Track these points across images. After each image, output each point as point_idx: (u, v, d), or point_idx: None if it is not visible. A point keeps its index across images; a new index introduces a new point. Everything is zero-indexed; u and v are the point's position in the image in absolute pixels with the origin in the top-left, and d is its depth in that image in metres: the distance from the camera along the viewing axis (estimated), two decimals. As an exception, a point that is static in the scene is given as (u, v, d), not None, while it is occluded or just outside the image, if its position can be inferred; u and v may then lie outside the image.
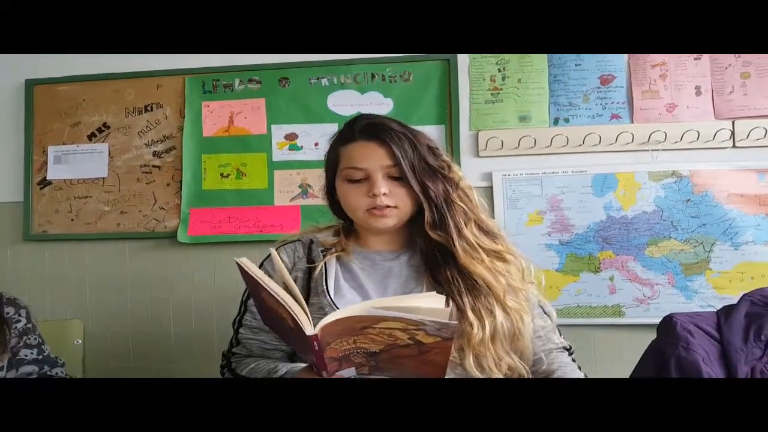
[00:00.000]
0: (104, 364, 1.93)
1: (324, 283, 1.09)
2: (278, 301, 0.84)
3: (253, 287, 0.92)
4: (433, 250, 1.09)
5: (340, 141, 1.14)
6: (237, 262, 0.90)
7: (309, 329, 0.82)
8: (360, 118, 1.15)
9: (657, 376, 0.91)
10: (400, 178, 1.08)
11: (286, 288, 0.89)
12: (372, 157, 1.08)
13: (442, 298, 0.90)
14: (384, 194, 1.07)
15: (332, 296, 1.07)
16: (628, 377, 1.10)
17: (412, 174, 1.07)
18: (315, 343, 0.82)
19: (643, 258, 1.74)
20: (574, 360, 1.16)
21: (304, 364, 1.01)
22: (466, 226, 1.08)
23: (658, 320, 1.43)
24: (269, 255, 1.17)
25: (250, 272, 0.87)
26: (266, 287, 0.85)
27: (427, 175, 1.08)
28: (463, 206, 1.10)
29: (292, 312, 0.83)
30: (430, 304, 0.87)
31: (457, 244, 1.06)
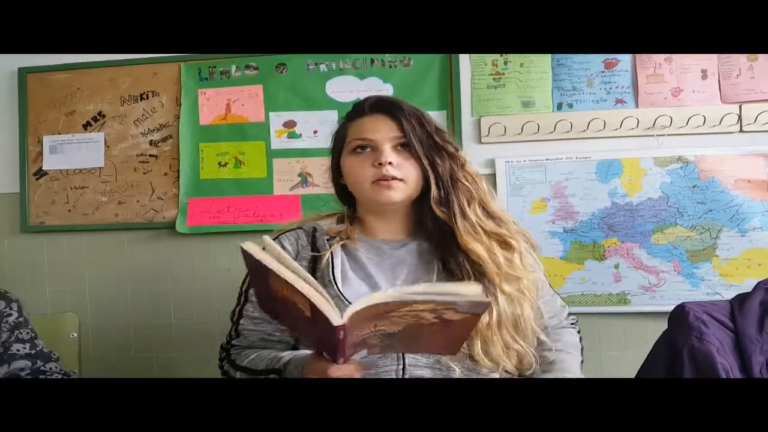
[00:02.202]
0: (104, 356, 1.91)
1: (331, 273, 1.07)
2: (296, 290, 0.80)
3: (258, 274, 0.87)
4: (441, 231, 1.08)
5: (350, 117, 1.16)
6: (242, 248, 0.84)
7: (337, 319, 0.78)
8: (370, 96, 1.17)
9: (669, 367, 0.90)
10: (407, 151, 1.09)
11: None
12: (380, 129, 1.09)
13: (479, 286, 0.89)
14: (390, 164, 1.07)
15: (340, 287, 1.05)
16: (634, 367, 1.09)
17: (420, 147, 1.08)
18: (341, 332, 0.79)
19: (649, 245, 1.72)
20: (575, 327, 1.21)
21: (309, 351, 0.98)
22: (469, 206, 1.08)
23: (663, 308, 1.42)
24: (276, 238, 1.15)
25: (258, 258, 0.82)
26: (281, 275, 0.80)
27: (435, 151, 1.09)
28: (468, 186, 1.09)
29: (315, 302, 0.79)
30: (469, 291, 0.86)
31: (459, 222, 1.06)
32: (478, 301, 0.80)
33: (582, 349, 1.20)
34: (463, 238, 1.05)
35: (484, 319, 1.00)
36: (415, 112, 1.11)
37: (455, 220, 1.06)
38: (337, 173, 1.17)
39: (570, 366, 1.12)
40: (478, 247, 1.04)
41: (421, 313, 0.80)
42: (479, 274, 1.04)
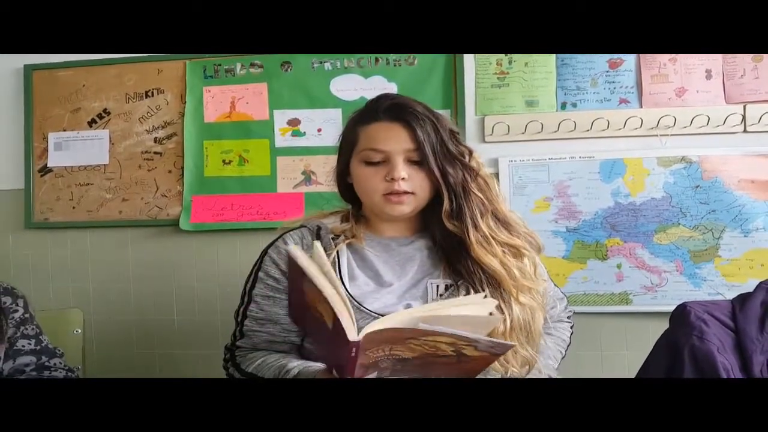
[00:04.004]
0: (107, 352, 1.93)
1: (338, 273, 1.06)
2: (323, 297, 0.78)
3: (295, 278, 0.86)
4: (450, 240, 1.08)
5: (361, 120, 1.11)
6: (289, 252, 0.83)
7: (353, 334, 0.77)
8: (384, 97, 1.12)
9: (670, 366, 0.90)
10: (419, 163, 1.06)
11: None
12: (394, 139, 1.06)
13: (492, 302, 0.88)
14: (403, 179, 1.04)
15: (347, 286, 1.05)
16: (635, 366, 1.09)
17: (433, 159, 1.05)
18: (354, 349, 0.78)
19: (651, 245, 1.72)
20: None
21: (318, 364, 0.98)
22: (482, 217, 1.06)
23: (665, 308, 1.42)
24: (281, 237, 1.15)
25: (299, 263, 0.80)
26: (315, 282, 0.79)
27: (448, 161, 1.06)
28: (481, 196, 1.07)
29: (336, 312, 0.77)
30: (480, 310, 0.85)
31: (471, 235, 1.05)
32: (500, 344, 0.79)
33: (567, 346, 1.24)
34: (475, 251, 1.04)
35: (499, 327, 1.01)
36: (429, 117, 1.07)
37: (467, 233, 1.05)
38: (343, 173, 1.15)
39: (548, 351, 1.15)
40: (492, 261, 1.04)
41: (440, 344, 0.79)
42: (492, 280, 1.04)
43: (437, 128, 1.07)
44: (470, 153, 1.11)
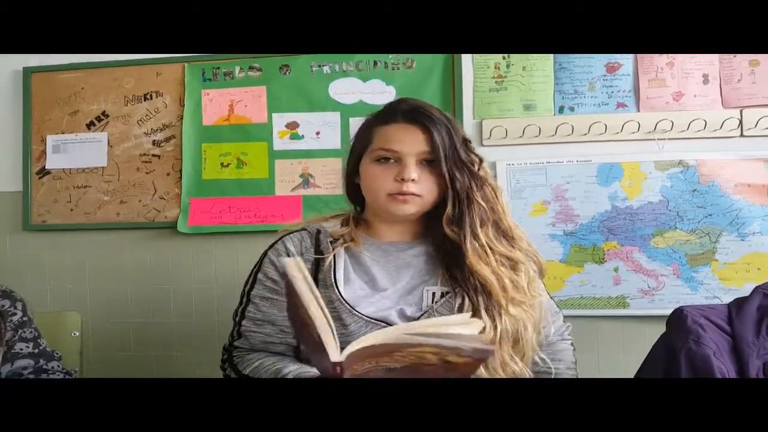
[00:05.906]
0: (104, 354, 1.92)
1: (333, 276, 1.07)
2: (309, 315, 0.80)
3: (288, 291, 0.87)
4: (448, 246, 1.08)
5: (379, 121, 1.12)
6: (280, 264, 0.85)
7: (335, 355, 0.78)
8: (403, 100, 1.14)
9: (666, 370, 0.90)
10: (431, 166, 1.07)
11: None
12: (410, 141, 1.07)
13: (479, 323, 0.89)
14: (413, 180, 1.05)
15: (341, 290, 1.06)
16: (633, 370, 1.09)
17: (444, 163, 1.06)
18: (338, 368, 0.79)
19: (648, 249, 1.72)
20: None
21: (313, 370, 0.98)
22: (482, 226, 1.07)
23: (662, 312, 1.43)
24: (280, 240, 1.15)
25: (289, 275, 0.82)
26: (301, 299, 0.80)
27: (457, 167, 1.07)
28: (484, 206, 1.08)
29: (320, 332, 0.78)
30: (466, 330, 0.85)
31: (468, 243, 1.05)
32: (482, 348, 0.80)
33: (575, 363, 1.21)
34: (470, 258, 1.04)
35: (489, 334, 1.01)
36: (445, 122, 1.08)
37: (465, 240, 1.05)
38: (353, 172, 1.16)
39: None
40: (484, 270, 1.04)
41: (425, 354, 0.80)
42: (486, 292, 1.04)
43: (451, 134, 1.08)
44: (480, 162, 1.12)
